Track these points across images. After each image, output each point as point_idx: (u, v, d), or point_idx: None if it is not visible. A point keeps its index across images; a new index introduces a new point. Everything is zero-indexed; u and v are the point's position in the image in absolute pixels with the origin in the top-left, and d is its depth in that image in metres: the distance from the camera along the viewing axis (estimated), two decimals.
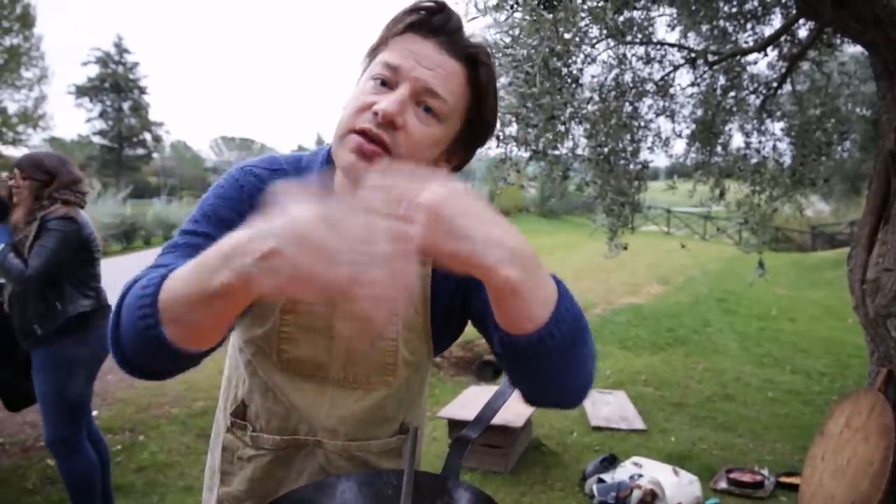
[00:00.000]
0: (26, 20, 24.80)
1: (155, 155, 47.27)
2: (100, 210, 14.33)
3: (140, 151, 44.88)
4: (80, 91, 41.90)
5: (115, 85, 42.29)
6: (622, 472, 3.24)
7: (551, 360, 0.70)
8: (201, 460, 3.66)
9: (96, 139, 42.45)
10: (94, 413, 4.06)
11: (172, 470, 3.52)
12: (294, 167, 0.93)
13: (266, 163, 0.93)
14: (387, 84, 0.81)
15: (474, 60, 0.83)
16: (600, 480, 3.23)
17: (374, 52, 0.85)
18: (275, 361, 0.93)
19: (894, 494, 2.45)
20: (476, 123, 0.87)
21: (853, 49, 4.97)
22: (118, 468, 3.49)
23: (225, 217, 0.85)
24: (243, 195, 0.88)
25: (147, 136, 44.61)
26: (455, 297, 0.94)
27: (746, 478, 3.30)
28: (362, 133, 0.78)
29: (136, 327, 0.66)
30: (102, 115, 42.67)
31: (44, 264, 2.47)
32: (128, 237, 15.03)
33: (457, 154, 0.89)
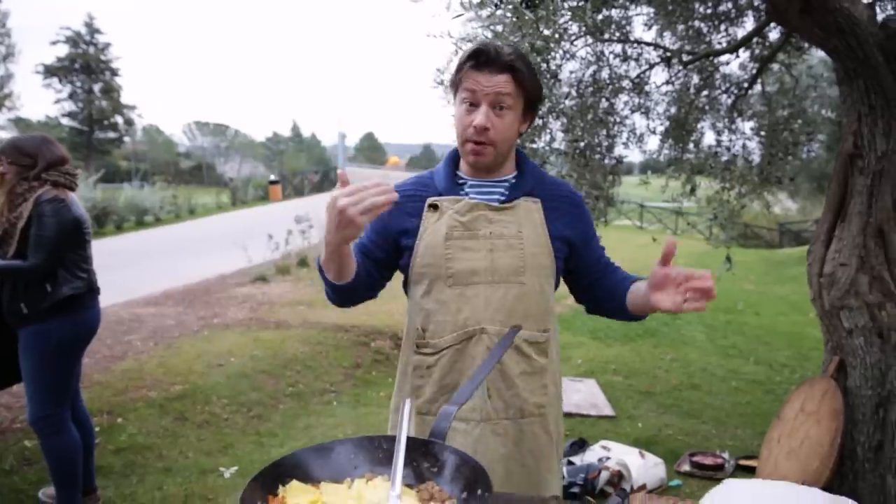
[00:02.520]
0: None
1: (126, 139, 46.29)
2: None
3: (111, 135, 43.92)
4: (49, 71, 40.81)
5: (85, 66, 41.27)
6: (591, 455, 3.38)
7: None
8: (179, 442, 3.70)
9: (65, 121, 41.44)
10: None
11: (151, 452, 3.56)
12: (430, 172, 1.49)
13: (412, 177, 1.50)
14: (472, 104, 1.35)
15: (512, 66, 1.33)
16: (570, 463, 3.36)
17: (455, 86, 1.40)
18: (444, 278, 1.38)
19: (841, 473, 2.62)
20: (529, 98, 1.39)
21: (821, 53, 5.15)
22: (97, 450, 3.51)
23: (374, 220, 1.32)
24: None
25: (118, 120, 43.66)
26: (567, 230, 1.44)
27: (708, 461, 3.47)
28: (473, 142, 1.35)
29: (323, 279, 1.34)
30: (72, 96, 41.64)
31: (46, 255, 2.50)
32: (99, 222, 14.73)
33: (526, 119, 1.43)
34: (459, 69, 1.36)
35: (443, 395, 1.39)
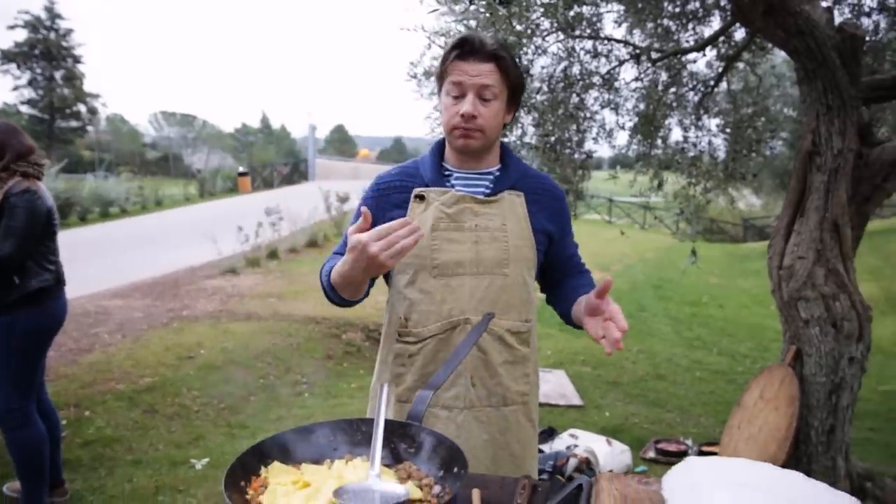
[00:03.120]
0: None
1: (90, 128, 45.09)
2: None
3: (73, 124, 42.71)
4: (7, 57, 39.53)
5: (46, 52, 40.03)
6: (560, 443, 3.46)
7: None
8: (150, 435, 3.68)
9: (25, 109, 40.21)
10: None
11: (120, 444, 3.53)
12: (414, 162, 1.51)
13: (395, 168, 1.52)
14: (458, 96, 1.37)
15: (496, 56, 1.36)
16: (539, 451, 3.43)
17: (440, 78, 1.41)
18: (430, 269, 1.40)
19: (796, 457, 2.74)
20: (512, 88, 1.41)
21: (784, 54, 5.30)
22: (63, 443, 3.47)
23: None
24: (373, 189, 1.48)
25: (81, 108, 42.50)
26: (548, 224, 1.48)
27: (672, 447, 3.58)
28: (461, 128, 1.37)
29: (327, 291, 1.34)
30: (32, 83, 40.39)
31: (18, 246, 2.46)
32: (62, 213, 14.34)
33: (510, 110, 1.45)
34: (445, 60, 1.39)
35: (423, 383, 1.40)
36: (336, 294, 1.31)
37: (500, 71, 1.36)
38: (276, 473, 0.98)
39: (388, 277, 1.51)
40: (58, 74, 40.87)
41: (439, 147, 1.50)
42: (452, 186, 1.44)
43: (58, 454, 2.93)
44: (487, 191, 1.45)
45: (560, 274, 1.55)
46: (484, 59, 1.35)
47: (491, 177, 1.47)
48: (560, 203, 1.52)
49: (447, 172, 1.47)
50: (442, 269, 1.40)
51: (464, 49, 1.36)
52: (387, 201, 1.44)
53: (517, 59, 3.73)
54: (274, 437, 1.03)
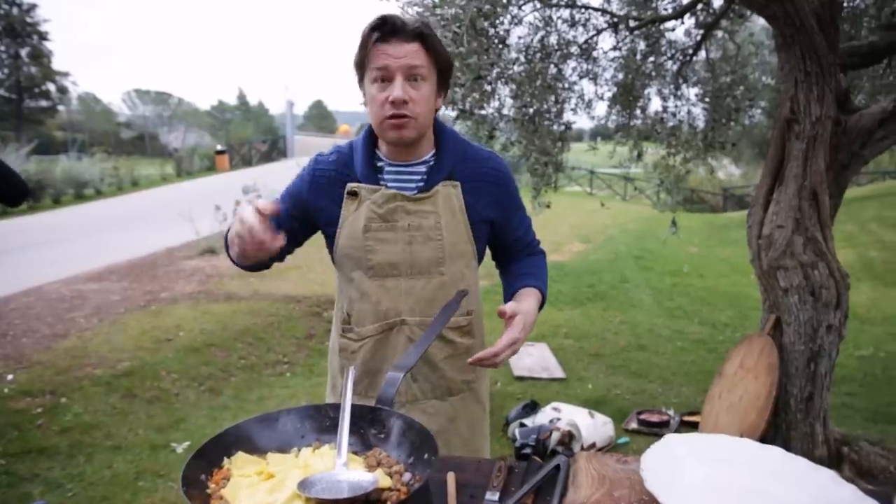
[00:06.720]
0: None
1: (60, 108, 43.93)
2: None
3: (43, 103, 41.57)
4: None
5: (9, 28, 38.76)
6: (542, 417, 3.46)
7: None
8: (129, 420, 3.63)
9: None
10: (10, 377, 3.93)
11: (98, 430, 3.47)
12: (349, 147, 1.42)
13: (333, 151, 1.43)
14: (385, 80, 1.27)
15: (421, 34, 1.27)
16: (522, 425, 3.44)
17: (361, 65, 1.31)
18: (365, 269, 1.37)
19: (776, 424, 2.76)
20: (441, 69, 1.33)
21: (762, 21, 5.25)
22: (39, 431, 3.41)
23: (294, 191, 1.43)
24: (309, 173, 1.41)
25: (50, 87, 41.37)
26: (488, 211, 1.40)
27: (654, 418, 3.60)
28: (391, 117, 1.27)
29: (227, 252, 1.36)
30: None
31: None
32: (34, 196, 14.03)
33: (440, 93, 1.36)
34: (365, 45, 1.27)
35: (365, 377, 1.41)
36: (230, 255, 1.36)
37: (426, 50, 1.27)
38: (241, 464, 0.94)
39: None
40: (23, 52, 39.61)
41: (369, 136, 1.39)
42: (385, 181, 1.37)
43: None
44: (421, 184, 1.36)
45: (508, 255, 1.51)
46: (408, 39, 1.25)
47: (424, 167, 1.38)
48: (502, 187, 1.42)
49: (380, 164, 1.39)
50: (377, 271, 1.36)
51: (384, 30, 1.25)
52: (320, 192, 1.39)
53: (494, 29, 3.66)
54: (237, 426, 0.99)
